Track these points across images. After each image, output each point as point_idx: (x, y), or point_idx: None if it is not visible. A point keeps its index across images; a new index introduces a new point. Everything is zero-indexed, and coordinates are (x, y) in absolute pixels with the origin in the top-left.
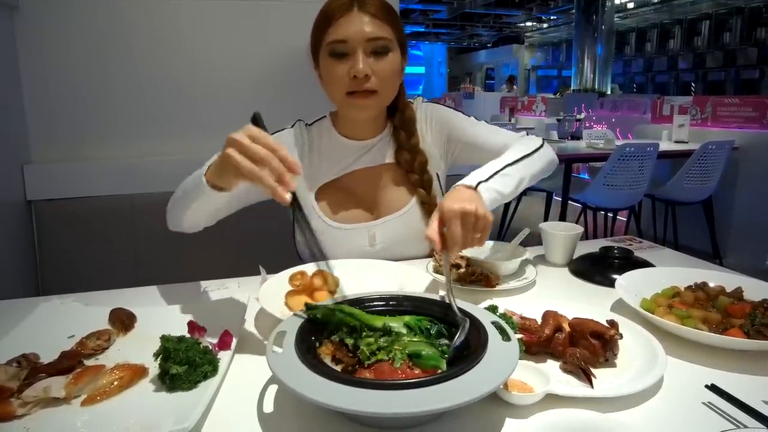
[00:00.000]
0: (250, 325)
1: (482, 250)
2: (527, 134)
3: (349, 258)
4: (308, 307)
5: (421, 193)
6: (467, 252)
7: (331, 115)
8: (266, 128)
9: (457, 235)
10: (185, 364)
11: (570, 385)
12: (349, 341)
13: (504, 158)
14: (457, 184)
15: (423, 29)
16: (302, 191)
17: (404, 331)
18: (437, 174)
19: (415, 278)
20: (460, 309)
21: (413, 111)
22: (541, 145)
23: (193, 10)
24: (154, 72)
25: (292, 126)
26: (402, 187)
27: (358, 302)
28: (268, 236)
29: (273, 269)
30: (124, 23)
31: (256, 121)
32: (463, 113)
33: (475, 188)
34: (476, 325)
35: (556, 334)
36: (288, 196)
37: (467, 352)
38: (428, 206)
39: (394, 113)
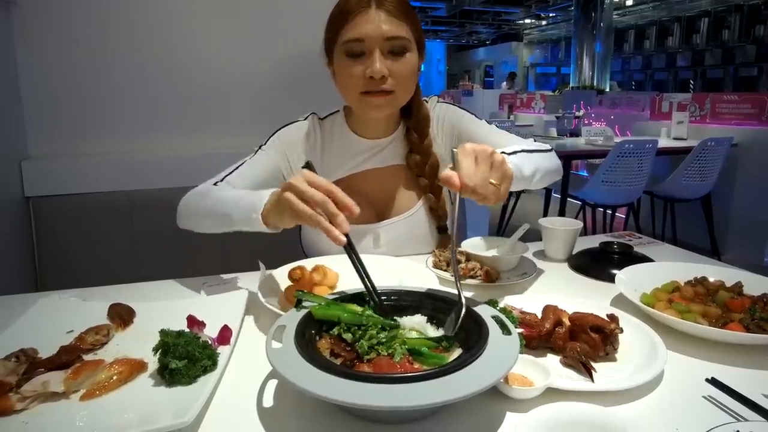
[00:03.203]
0: (249, 320)
1: (482, 246)
2: (534, 140)
3: None
4: (298, 301)
5: (431, 199)
6: (467, 247)
7: (344, 109)
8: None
9: (469, 170)
10: (184, 359)
11: (570, 379)
12: (348, 336)
13: (523, 144)
14: None
15: (422, 26)
16: None
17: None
18: None
19: (414, 273)
20: (462, 297)
21: (428, 111)
22: (552, 150)
23: (192, 5)
24: (153, 68)
25: (305, 118)
26: (410, 189)
27: (356, 297)
28: None
29: (272, 264)
30: (122, 18)
31: (309, 167)
32: (475, 116)
33: None
34: (476, 319)
35: (557, 329)
36: (342, 238)
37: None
38: (436, 211)
39: (408, 112)
